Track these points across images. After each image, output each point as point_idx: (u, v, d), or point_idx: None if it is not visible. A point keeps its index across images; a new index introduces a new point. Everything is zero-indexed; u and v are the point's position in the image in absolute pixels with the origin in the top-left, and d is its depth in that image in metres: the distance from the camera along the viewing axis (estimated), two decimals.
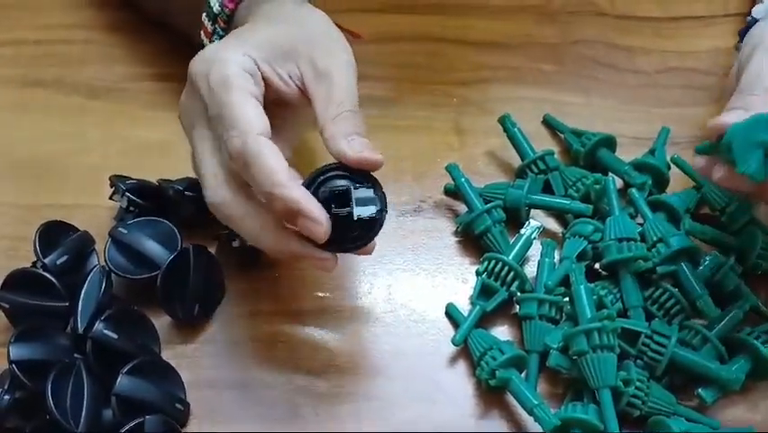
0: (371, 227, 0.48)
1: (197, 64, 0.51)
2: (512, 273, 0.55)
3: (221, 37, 0.57)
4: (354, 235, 0.49)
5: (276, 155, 0.47)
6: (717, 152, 0.50)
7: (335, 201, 0.48)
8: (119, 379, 0.48)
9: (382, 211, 0.48)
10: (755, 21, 0.60)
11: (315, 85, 0.51)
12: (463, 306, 0.57)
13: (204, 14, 0.57)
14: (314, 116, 0.50)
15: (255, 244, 0.51)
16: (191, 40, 0.60)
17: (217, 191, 0.49)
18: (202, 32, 0.58)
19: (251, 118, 0.48)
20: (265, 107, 0.49)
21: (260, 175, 0.46)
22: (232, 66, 0.49)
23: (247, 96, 0.49)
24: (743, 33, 0.61)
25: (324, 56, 0.52)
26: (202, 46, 0.57)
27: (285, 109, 0.53)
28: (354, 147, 0.48)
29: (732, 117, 0.49)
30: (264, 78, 0.51)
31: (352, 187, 0.48)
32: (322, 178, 0.49)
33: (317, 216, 0.46)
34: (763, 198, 0.55)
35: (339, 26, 0.56)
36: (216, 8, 0.57)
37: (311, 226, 0.47)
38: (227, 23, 0.57)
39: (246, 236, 0.50)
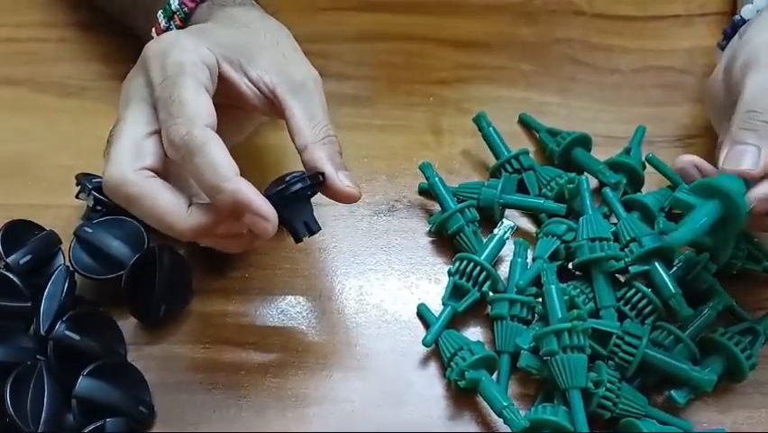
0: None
1: (155, 45, 0.50)
2: (484, 273, 0.54)
3: None
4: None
5: (223, 149, 0.46)
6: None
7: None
8: (80, 381, 0.47)
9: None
10: (744, 21, 0.59)
11: (292, 98, 0.51)
12: (436, 306, 0.56)
13: (160, 11, 0.56)
14: (291, 130, 0.51)
15: (161, 226, 0.48)
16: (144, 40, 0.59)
17: (131, 166, 0.47)
18: (154, 29, 0.57)
19: (200, 108, 0.47)
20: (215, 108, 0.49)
21: (205, 167, 0.46)
22: (192, 54, 0.48)
23: (200, 86, 0.48)
24: (728, 33, 0.60)
25: (299, 70, 0.52)
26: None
27: (231, 113, 0.53)
28: (344, 180, 0.50)
29: (748, 162, 0.48)
30: (226, 80, 0.50)
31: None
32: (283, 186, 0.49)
33: (266, 211, 0.46)
34: None
35: None
36: (175, 5, 0.56)
37: (258, 222, 0.46)
38: (184, 21, 0.56)
39: (150, 218, 0.48)
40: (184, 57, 0.48)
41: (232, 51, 0.51)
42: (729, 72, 0.55)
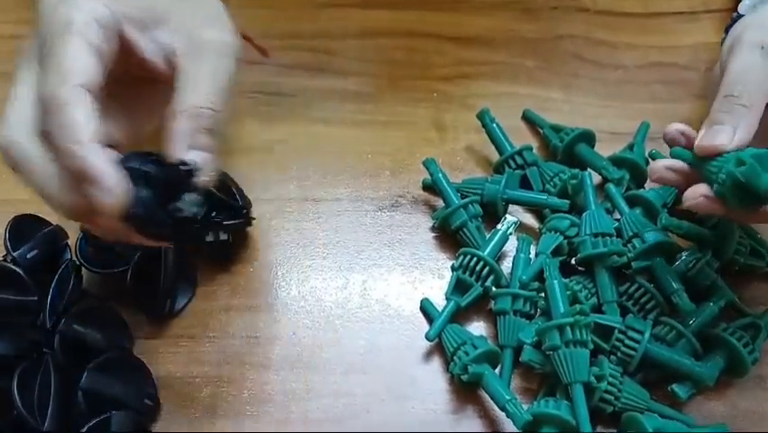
0: (183, 228, 0.44)
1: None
2: (487, 268, 0.55)
3: None
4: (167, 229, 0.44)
5: (87, 111, 0.41)
6: (699, 168, 0.50)
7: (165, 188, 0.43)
8: (86, 374, 0.48)
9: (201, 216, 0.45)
10: (740, 16, 0.60)
11: (187, 61, 0.45)
12: (439, 301, 0.56)
13: None
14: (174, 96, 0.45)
15: (44, 195, 0.44)
16: None
17: (16, 129, 0.43)
18: None
19: (75, 65, 0.42)
20: (122, 79, 0.45)
21: (61, 128, 0.41)
22: (82, 12, 0.43)
23: (86, 46, 0.43)
24: (728, 29, 0.61)
25: (204, 27, 0.46)
26: None
27: (145, 86, 0.48)
28: (192, 157, 0.44)
29: (723, 138, 0.49)
30: (130, 45, 0.45)
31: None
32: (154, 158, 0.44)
33: (109, 185, 0.41)
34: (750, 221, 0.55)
35: (247, 38, 0.53)
36: None
37: (100, 196, 0.41)
38: None
39: (36, 186, 0.44)
40: (72, 14, 0.43)
41: (137, 10, 0.45)
42: (721, 63, 0.55)
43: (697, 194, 0.49)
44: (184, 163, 0.44)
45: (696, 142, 0.50)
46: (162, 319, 0.55)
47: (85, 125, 0.41)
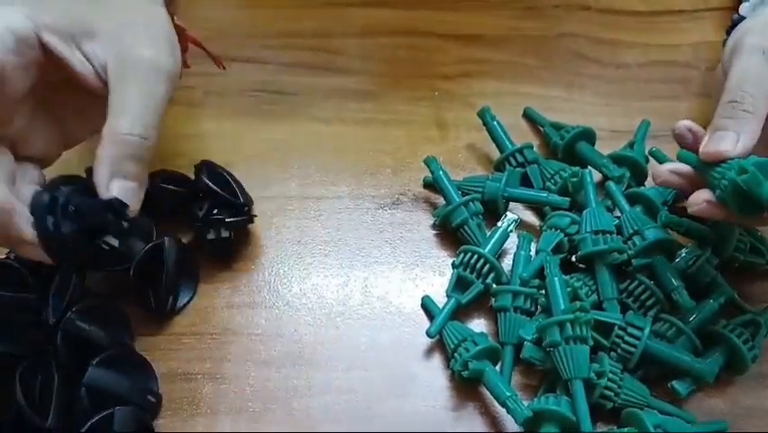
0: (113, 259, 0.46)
1: None
2: (488, 266, 0.55)
3: None
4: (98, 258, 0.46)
5: None
6: (703, 173, 0.51)
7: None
8: (89, 370, 0.48)
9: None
10: (742, 18, 0.60)
11: (116, 79, 0.44)
12: (440, 298, 0.56)
13: None
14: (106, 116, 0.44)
15: None
16: None
17: None
18: None
19: None
20: (57, 87, 0.44)
21: None
22: None
23: None
24: (730, 31, 0.61)
25: (139, 45, 0.45)
26: None
27: (81, 95, 0.46)
28: (112, 189, 0.44)
29: (727, 145, 0.49)
30: (52, 53, 0.44)
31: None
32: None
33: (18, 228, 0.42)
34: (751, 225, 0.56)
35: (202, 48, 0.53)
36: None
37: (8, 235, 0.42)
38: None
39: None
40: None
41: (64, 22, 0.44)
42: (723, 67, 0.55)
43: (700, 199, 0.50)
44: (110, 204, 0.43)
45: (700, 148, 0.51)
46: (164, 316, 0.55)
47: None
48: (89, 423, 0.47)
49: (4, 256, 0.53)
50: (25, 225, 0.43)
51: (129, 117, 0.44)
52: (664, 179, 0.53)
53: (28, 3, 0.44)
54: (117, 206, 0.44)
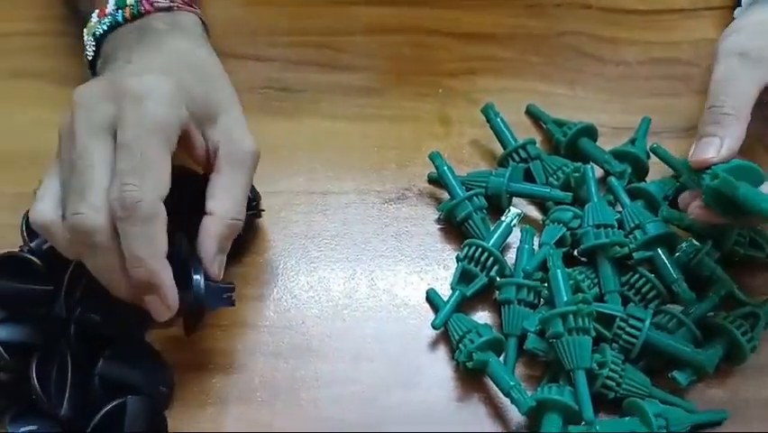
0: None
1: (134, 81, 0.47)
2: (492, 259, 0.56)
3: (112, 25, 0.54)
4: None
5: (164, 225, 0.45)
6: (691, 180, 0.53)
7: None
8: (102, 361, 0.49)
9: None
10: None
11: (225, 164, 0.49)
12: (445, 291, 0.57)
13: None
14: (209, 189, 0.49)
15: (110, 282, 0.47)
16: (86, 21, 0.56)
17: (100, 211, 0.45)
18: (97, 12, 0.55)
19: (163, 177, 0.45)
20: None
21: (142, 238, 0.44)
22: (169, 113, 0.46)
23: (167, 150, 0.46)
24: None
25: (241, 133, 0.50)
26: (83, 22, 0.55)
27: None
28: (211, 267, 0.49)
29: (711, 151, 0.51)
30: (185, 140, 0.48)
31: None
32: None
33: (172, 302, 0.47)
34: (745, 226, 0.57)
35: None
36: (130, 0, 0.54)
37: (158, 307, 0.47)
38: (132, 18, 0.54)
39: (102, 271, 0.47)
40: (161, 113, 0.46)
41: (201, 109, 0.49)
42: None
43: (693, 206, 0.51)
44: (228, 289, 0.51)
45: (689, 157, 0.52)
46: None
47: (162, 240, 0.45)
48: (102, 411, 0.48)
49: (18, 248, 0.54)
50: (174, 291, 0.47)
51: (235, 203, 0.49)
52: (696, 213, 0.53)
53: (179, 86, 0.48)
54: (232, 291, 0.51)
